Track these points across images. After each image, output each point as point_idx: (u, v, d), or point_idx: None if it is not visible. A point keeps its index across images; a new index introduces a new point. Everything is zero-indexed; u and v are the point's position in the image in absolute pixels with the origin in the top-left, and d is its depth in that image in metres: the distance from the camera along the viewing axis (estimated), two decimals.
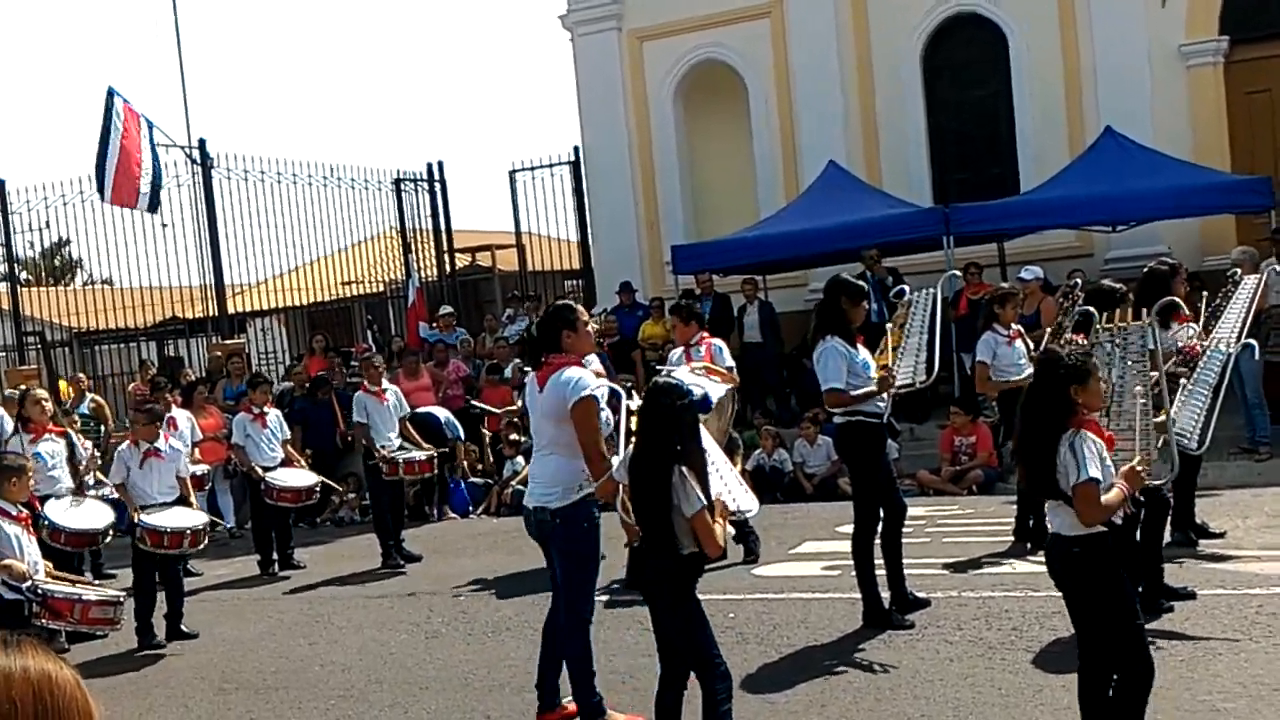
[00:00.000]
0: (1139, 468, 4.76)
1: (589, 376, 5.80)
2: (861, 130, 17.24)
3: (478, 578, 9.67)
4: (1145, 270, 7.98)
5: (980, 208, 14.29)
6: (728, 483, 5.51)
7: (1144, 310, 6.25)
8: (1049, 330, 9.55)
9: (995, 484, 11.88)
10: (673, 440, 4.89)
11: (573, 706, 6.03)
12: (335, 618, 8.95)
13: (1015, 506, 9.10)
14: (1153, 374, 5.88)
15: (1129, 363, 5.86)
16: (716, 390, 7.52)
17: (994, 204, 14.52)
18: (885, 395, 7.12)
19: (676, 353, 9.22)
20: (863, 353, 7.16)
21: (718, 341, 9.18)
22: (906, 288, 8.37)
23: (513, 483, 13.29)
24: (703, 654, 5.00)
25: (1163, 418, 5.83)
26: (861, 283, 7.42)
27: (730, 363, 8.78)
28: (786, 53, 17.60)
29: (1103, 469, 4.52)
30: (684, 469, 4.84)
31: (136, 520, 8.56)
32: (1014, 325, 9.39)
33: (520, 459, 13.27)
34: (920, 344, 7.45)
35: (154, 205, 16.35)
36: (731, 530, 5.32)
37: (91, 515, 8.99)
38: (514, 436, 13.36)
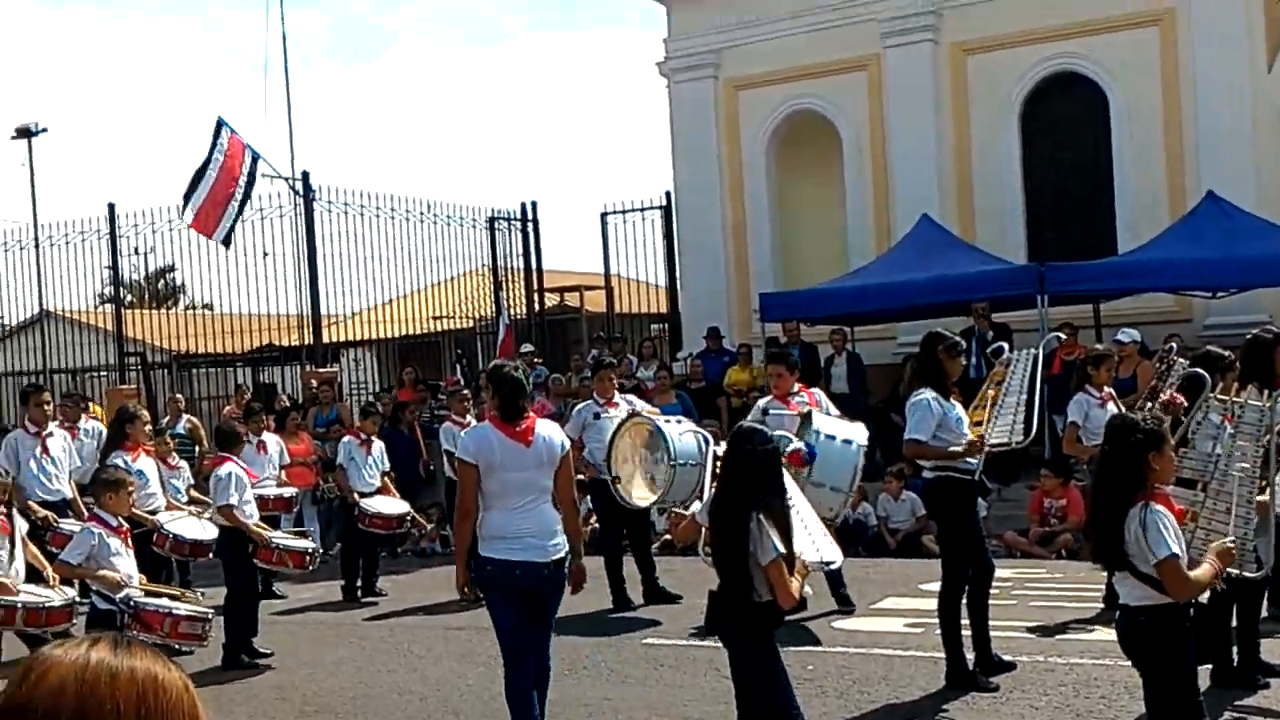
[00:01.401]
0: (1231, 546, 4.65)
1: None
2: (956, 184, 17.14)
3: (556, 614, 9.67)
4: (1248, 338, 7.78)
5: (1077, 267, 14.10)
6: (812, 533, 5.48)
7: (1251, 382, 6.11)
8: (1144, 395, 9.38)
9: (1081, 548, 11.61)
10: (753, 486, 4.86)
11: None
12: (415, 647, 9.02)
13: (1105, 573, 8.89)
14: (1258, 451, 5.72)
15: (1239, 439, 5.69)
16: (859, 434, 7.58)
17: (1092, 264, 14.32)
18: (978, 454, 7.02)
19: (765, 401, 9.23)
20: (957, 408, 7.10)
21: (818, 391, 9.22)
22: (1005, 345, 8.28)
23: (590, 520, 13.30)
24: (777, 702, 4.95)
25: (1265, 497, 5.68)
26: (958, 338, 7.38)
27: (836, 412, 8.82)
28: (883, 105, 17.60)
29: (1178, 542, 4.43)
30: (762, 516, 4.80)
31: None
32: (1107, 388, 9.22)
33: (588, 498, 13.26)
34: (1019, 403, 7.34)
35: (228, 240, 16.87)
36: (810, 590, 5.28)
37: (202, 529, 9.26)
38: (579, 477, 13.35)
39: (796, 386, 9.16)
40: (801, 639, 8.26)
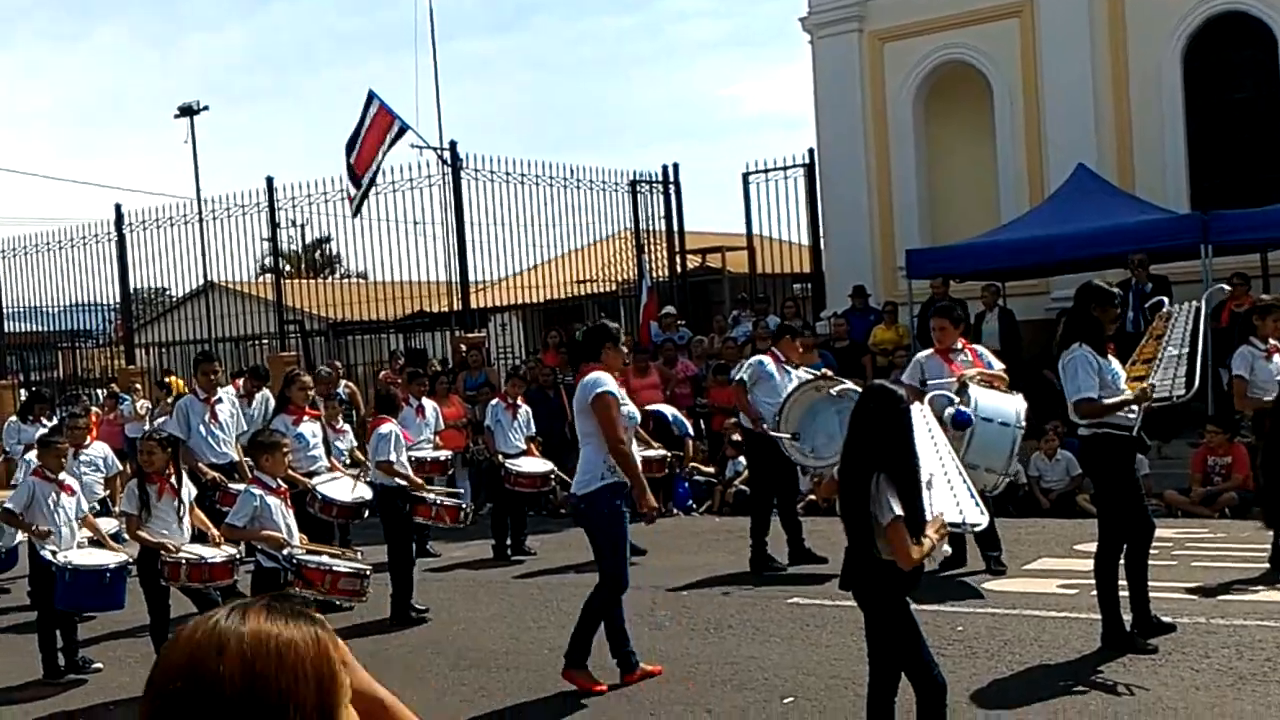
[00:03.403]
0: None
1: (608, 379, 6.82)
2: (1114, 133, 16.49)
3: (701, 574, 9.75)
4: None
5: (1243, 215, 13.46)
6: (956, 493, 5.38)
7: None
8: None
9: (1251, 507, 11.14)
10: (876, 446, 4.80)
11: (652, 668, 6.96)
12: (564, 604, 9.18)
13: (1272, 532, 8.52)
14: None
15: None
16: (1017, 411, 7.48)
17: (1259, 211, 13.63)
18: (1138, 407, 6.77)
19: (924, 355, 9.07)
20: (1114, 363, 6.86)
21: (980, 348, 9.06)
22: (1165, 299, 7.97)
23: (736, 483, 13.33)
24: (914, 661, 4.88)
25: None
26: (1114, 289, 7.11)
27: (999, 365, 8.69)
28: (1036, 52, 17.02)
29: None
30: (883, 476, 4.74)
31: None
32: (1273, 340, 8.79)
33: (742, 459, 13.29)
34: (1180, 357, 7.05)
35: (357, 210, 17.35)
36: (948, 549, 5.28)
37: (354, 491, 9.59)
38: (735, 437, 13.39)
39: (960, 343, 8.99)
40: (953, 598, 8.15)
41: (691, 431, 13.69)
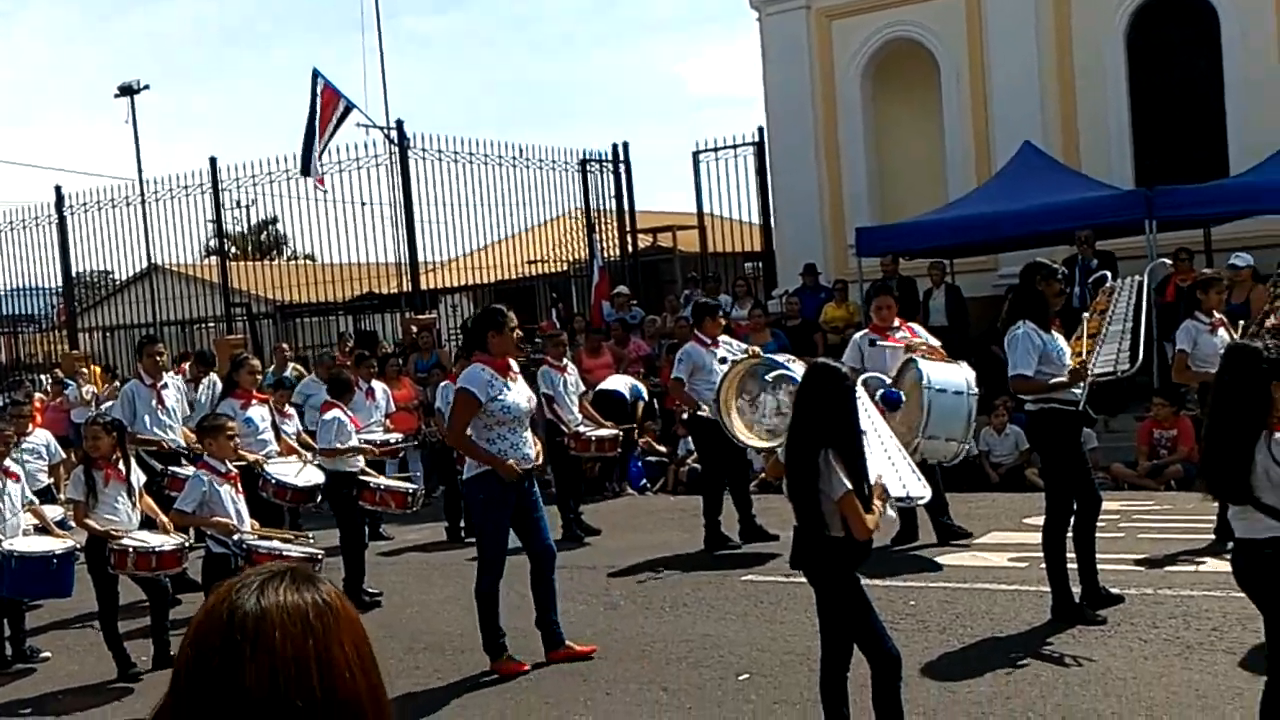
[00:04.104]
0: None
1: (476, 373, 6.83)
2: (1060, 110, 16.64)
3: (655, 553, 9.76)
4: None
5: (1187, 190, 13.62)
6: (898, 469, 5.44)
7: None
8: (1256, 320, 9.05)
9: (1195, 480, 11.33)
10: (822, 423, 4.84)
11: (579, 648, 7.04)
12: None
13: (1217, 503, 8.66)
14: None
15: None
16: (967, 379, 7.61)
17: (1202, 187, 13.81)
18: (1082, 382, 6.87)
19: (861, 335, 9.16)
20: (1058, 339, 6.94)
21: (917, 326, 9.21)
22: (1109, 274, 8.07)
23: (688, 461, 13.36)
24: (866, 635, 4.93)
25: None
26: (1058, 266, 7.20)
27: (935, 343, 8.83)
28: (982, 30, 17.11)
29: None
30: (831, 452, 4.78)
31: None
32: (1217, 313, 8.92)
33: (691, 438, 13.31)
34: (1124, 331, 7.16)
35: (306, 169, 17.24)
36: (893, 514, 5.36)
37: (307, 475, 9.49)
38: (685, 415, 13.41)
39: (897, 322, 9.12)
40: (905, 572, 8.22)
41: (646, 397, 13.70)
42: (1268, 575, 4.42)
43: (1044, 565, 6.96)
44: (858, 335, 9.39)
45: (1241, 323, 8.98)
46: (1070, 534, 6.92)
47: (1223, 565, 7.78)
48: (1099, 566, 7.10)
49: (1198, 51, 16.11)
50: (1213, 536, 8.42)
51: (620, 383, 13.27)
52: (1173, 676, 5.89)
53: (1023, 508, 9.95)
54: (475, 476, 7.00)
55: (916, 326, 9.43)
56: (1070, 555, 6.94)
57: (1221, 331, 8.79)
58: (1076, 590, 6.95)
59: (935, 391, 7.68)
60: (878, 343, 9.00)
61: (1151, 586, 7.43)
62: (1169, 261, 12.26)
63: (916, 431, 7.67)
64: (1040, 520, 7.10)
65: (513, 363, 7.22)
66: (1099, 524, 7.14)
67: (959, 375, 7.90)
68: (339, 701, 1.43)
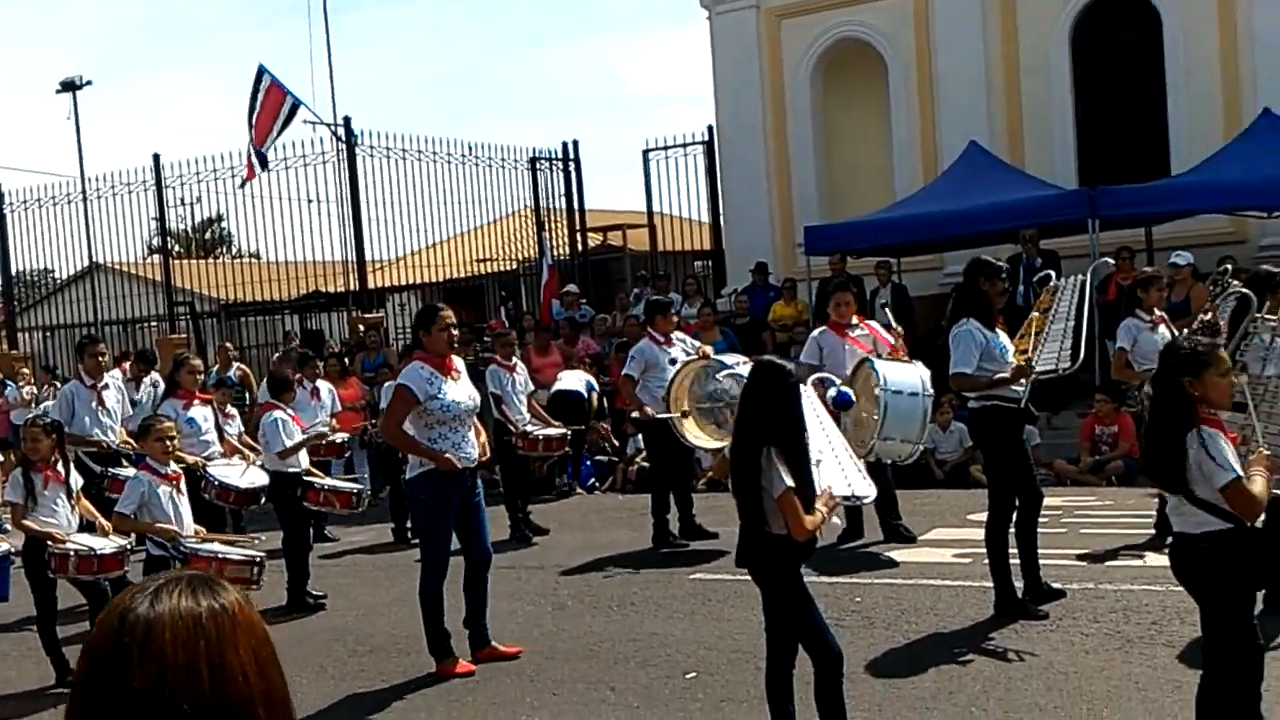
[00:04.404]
0: (1267, 453, 4.55)
1: (415, 370, 6.83)
2: (1006, 111, 16.82)
3: (604, 552, 9.74)
4: None
5: (1129, 190, 13.81)
6: (844, 467, 5.46)
7: None
8: (1197, 318, 9.19)
9: (1136, 475, 11.48)
10: (765, 420, 4.86)
11: (504, 648, 7.04)
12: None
13: (1156, 499, 8.79)
14: None
15: None
16: (922, 379, 7.62)
17: (1143, 186, 14.01)
18: (1024, 380, 6.93)
19: (819, 332, 9.15)
20: (1002, 337, 7.00)
21: (876, 324, 9.22)
22: (1052, 274, 8.15)
23: (637, 460, 13.35)
24: (808, 632, 4.95)
25: None
26: (1001, 263, 7.26)
27: (897, 327, 8.93)
28: (929, 31, 17.26)
29: (1238, 463, 4.36)
30: (773, 450, 4.80)
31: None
32: (1158, 311, 9.03)
33: (640, 436, 13.31)
34: (1066, 330, 7.23)
35: (243, 183, 17.16)
36: (838, 521, 5.39)
37: (251, 476, 9.37)
38: (634, 414, 13.40)
39: (856, 319, 9.14)
40: (851, 570, 8.27)
41: (597, 388, 13.68)
42: (1203, 569, 4.49)
43: (987, 561, 7.02)
44: (816, 332, 9.38)
45: (1203, 322, 9.11)
46: (1013, 530, 6.99)
47: (1163, 560, 7.85)
48: (1041, 562, 7.18)
49: (1141, 52, 16.34)
50: (1153, 531, 8.54)
51: (576, 381, 13.22)
52: (1113, 670, 5.96)
53: (967, 504, 10.04)
54: (418, 476, 6.93)
55: (876, 325, 9.42)
56: (1013, 551, 7.01)
57: (1162, 328, 8.90)
58: (1019, 585, 7.01)
59: (891, 394, 7.69)
60: (832, 340, 9.00)
61: (1093, 581, 7.52)
62: (1111, 261, 12.43)
63: (872, 433, 7.70)
64: (984, 516, 7.16)
65: (457, 361, 7.16)
66: (1041, 520, 7.22)
67: (914, 375, 7.91)
68: (231, 706, 1.43)
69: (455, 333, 7.08)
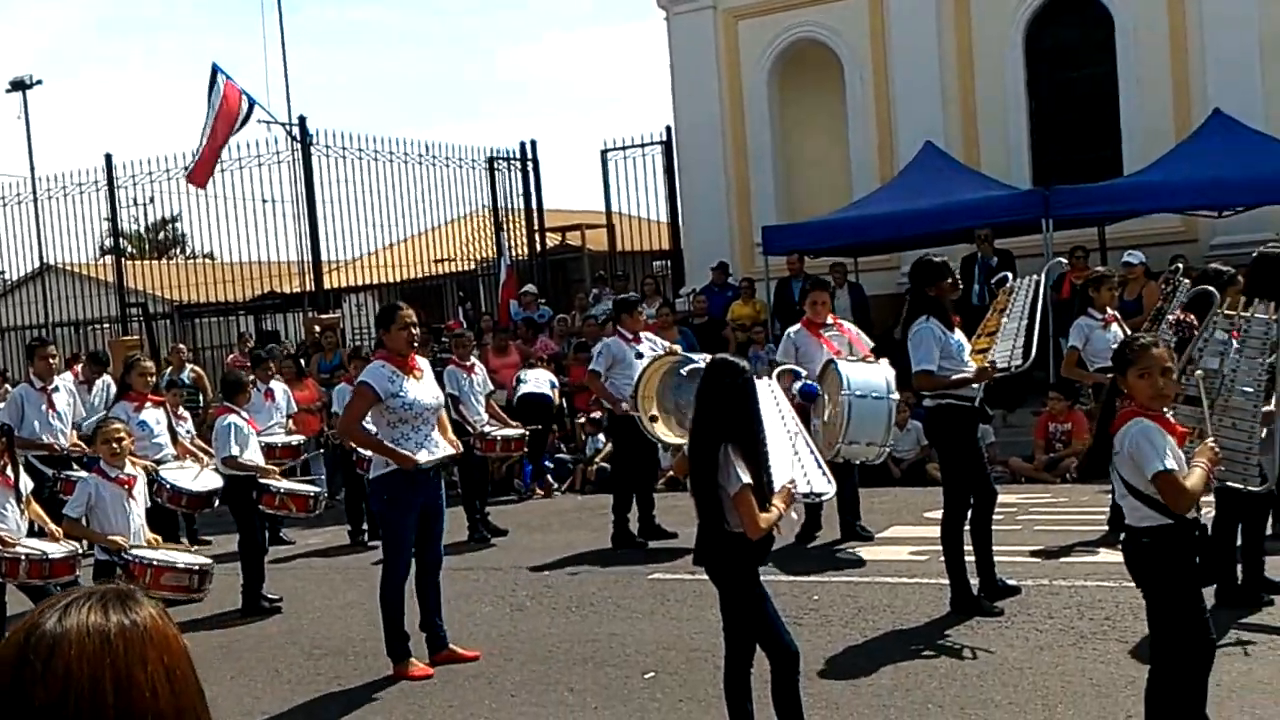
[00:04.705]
0: (1213, 445, 4.59)
1: (376, 368, 6.83)
2: (960, 111, 16.95)
3: (562, 554, 9.72)
4: (1256, 254, 7.67)
5: (1082, 190, 13.95)
6: (804, 464, 5.46)
7: (1257, 298, 6.04)
8: (1150, 316, 9.29)
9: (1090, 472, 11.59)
10: (722, 417, 4.86)
11: (463, 651, 7.00)
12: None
13: (1110, 495, 8.88)
14: (1264, 365, 5.67)
15: (1244, 354, 5.63)
16: (887, 380, 7.57)
17: (1096, 186, 14.17)
18: (989, 381, 6.98)
19: (795, 331, 9.13)
20: (958, 335, 7.05)
21: (849, 324, 9.22)
22: (1009, 275, 8.21)
23: (597, 460, 13.34)
24: (764, 630, 4.95)
25: (1270, 407, 5.64)
26: (942, 261, 7.28)
27: (869, 342, 8.89)
28: (885, 32, 17.36)
29: (1171, 457, 4.40)
30: (731, 447, 4.80)
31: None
32: (1110, 309, 9.13)
33: (601, 436, 13.31)
34: (1020, 329, 7.29)
35: (204, 182, 16.96)
36: (795, 514, 5.38)
37: (205, 479, 9.25)
38: (595, 414, 13.39)
39: (830, 318, 9.13)
40: (805, 569, 8.29)
41: (558, 385, 13.66)
42: (1145, 563, 4.55)
43: (943, 558, 7.06)
44: (791, 330, 9.35)
45: (1180, 323, 9.20)
46: (968, 527, 7.04)
47: (1116, 556, 7.92)
48: (996, 558, 7.23)
49: (1093, 54, 16.53)
50: (1106, 528, 8.62)
51: (541, 383, 13.16)
52: (1068, 666, 6.01)
53: (923, 502, 10.09)
54: (381, 477, 6.88)
55: (850, 325, 9.40)
56: (968, 548, 7.05)
57: (1114, 327, 9.00)
58: (975, 582, 7.06)
59: (856, 397, 7.68)
60: (805, 339, 8.99)
61: (1047, 578, 7.58)
62: (1065, 260, 12.56)
63: (838, 437, 7.70)
64: (940, 514, 7.20)
65: (421, 361, 7.13)
66: (996, 517, 7.27)
67: (879, 377, 7.87)
68: None
69: (415, 332, 7.03)
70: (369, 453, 10.67)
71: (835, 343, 8.83)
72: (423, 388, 6.92)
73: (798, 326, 9.21)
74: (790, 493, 4.99)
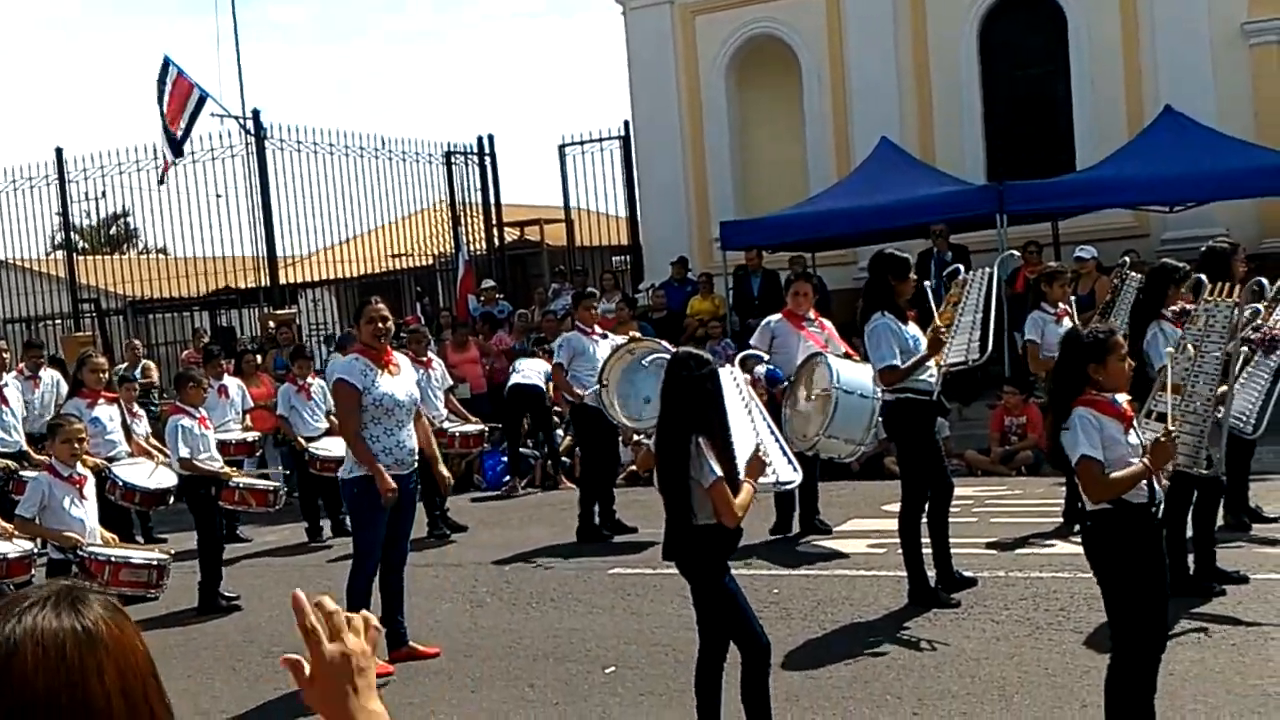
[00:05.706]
0: (1165, 440, 4.58)
1: (349, 362, 6.87)
2: (916, 107, 17.08)
3: (522, 549, 9.71)
4: (1205, 249, 7.81)
5: (1035, 186, 14.10)
6: (769, 452, 5.48)
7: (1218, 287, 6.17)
8: (1099, 310, 9.41)
9: (1044, 465, 11.73)
10: (690, 410, 4.87)
11: (422, 649, 6.96)
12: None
13: (1065, 487, 8.99)
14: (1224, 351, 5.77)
15: (1210, 340, 5.75)
16: (868, 376, 7.54)
17: (1049, 182, 14.32)
18: (936, 372, 7.04)
19: (775, 320, 9.12)
20: (913, 328, 7.10)
21: (829, 323, 9.23)
22: (961, 267, 8.27)
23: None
24: (737, 624, 4.97)
25: (1221, 390, 5.73)
26: (905, 255, 7.34)
27: (844, 347, 8.85)
28: (841, 28, 17.46)
29: (1109, 445, 4.45)
30: (701, 439, 4.81)
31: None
32: (1062, 304, 9.23)
33: (560, 431, 13.28)
34: (974, 322, 7.36)
35: (162, 179, 16.75)
36: (771, 477, 5.42)
37: (159, 476, 9.14)
38: (556, 408, 13.36)
39: (812, 312, 9.14)
40: (765, 562, 8.33)
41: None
42: (1096, 547, 4.63)
43: (901, 551, 7.12)
44: (771, 318, 9.32)
45: (1090, 313, 9.33)
46: (925, 520, 7.10)
47: (1071, 547, 8.08)
48: (953, 551, 7.30)
49: (1046, 51, 16.71)
50: (1061, 520, 8.74)
51: (535, 373, 12.94)
52: (1024, 656, 6.08)
53: (881, 495, 10.16)
54: (355, 477, 6.82)
55: (829, 323, 9.39)
56: (925, 540, 7.12)
57: (1066, 321, 9.10)
58: (932, 574, 7.13)
59: (844, 392, 7.68)
60: (788, 329, 8.99)
61: (1003, 569, 7.67)
62: (1017, 254, 12.68)
63: (819, 427, 7.71)
64: (897, 507, 7.27)
65: (397, 356, 7.10)
66: (953, 509, 7.34)
67: (867, 376, 7.83)
68: None
69: (384, 325, 6.95)
70: (322, 452, 10.68)
71: (816, 336, 8.84)
72: (397, 383, 6.88)
73: (778, 316, 9.17)
74: (761, 461, 5.00)
